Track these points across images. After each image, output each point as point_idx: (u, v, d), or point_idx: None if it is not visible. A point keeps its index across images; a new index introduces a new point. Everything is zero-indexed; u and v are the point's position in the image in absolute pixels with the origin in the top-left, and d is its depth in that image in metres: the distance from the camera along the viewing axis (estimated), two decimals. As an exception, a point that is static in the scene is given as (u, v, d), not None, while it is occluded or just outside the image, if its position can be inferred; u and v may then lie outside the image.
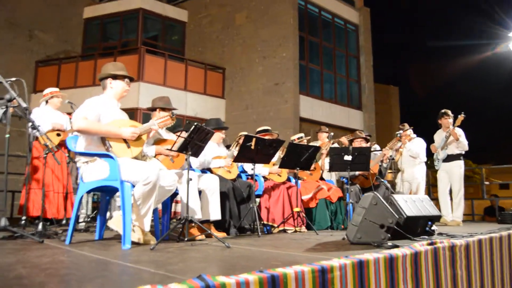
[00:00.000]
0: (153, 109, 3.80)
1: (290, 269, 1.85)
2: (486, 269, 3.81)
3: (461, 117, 5.83)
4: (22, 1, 11.68)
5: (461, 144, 5.93)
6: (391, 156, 6.56)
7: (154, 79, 11.61)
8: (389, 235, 3.14)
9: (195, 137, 3.00)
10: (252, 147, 3.75)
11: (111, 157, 2.80)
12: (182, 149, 3.01)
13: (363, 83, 14.30)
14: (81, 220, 4.44)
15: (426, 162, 6.63)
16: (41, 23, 12.06)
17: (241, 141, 4.92)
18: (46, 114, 4.73)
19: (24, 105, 3.00)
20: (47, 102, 4.78)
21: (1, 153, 3.33)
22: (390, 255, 2.50)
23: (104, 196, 3.21)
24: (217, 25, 13.48)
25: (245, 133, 5.80)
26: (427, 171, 6.72)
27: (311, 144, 7.46)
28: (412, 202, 3.90)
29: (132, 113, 10.58)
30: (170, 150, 3.10)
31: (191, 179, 2.99)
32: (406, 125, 6.81)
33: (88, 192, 3.13)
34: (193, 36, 14.00)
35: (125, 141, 2.92)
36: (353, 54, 14.37)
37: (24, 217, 3.55)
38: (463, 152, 6.05)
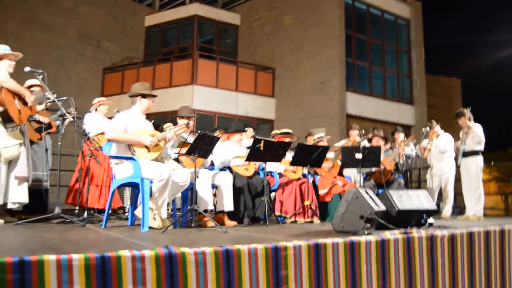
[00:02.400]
0: (177, 116, 4.53)
1: (244, 246, 2.44)
2: (479, 261, 4.00)
3: (466, 111, 6.09)
4: (91, 15, 13.07)
5: (476, 135, 6.07)
6: (416, 152, 6.85)
7: (207, 82, 12.49)
8: (368, 224, 3.59)
9: (200, 142, 3.67)
10: (261, 148, 4.35)
11: (134, 159, 3.56)
12: (190, 152, 3.70)
13: (415, 77, 14.24)
14: (127, 210, 5.30)
15: (454, 158, 6.81)
16: (108, 33, 13.41)
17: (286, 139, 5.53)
18: (97, 119, 5.58)
19: (71, 119, 3.83)
20: (96, 109, 5.64)
21: (57, 153, 4.18)
22: (351, 241, 2.98)
23: (133, 190, 3.99)
24: (267, 28, 14.11)
25: (278, 131, 6.38)
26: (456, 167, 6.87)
27: (342, 141, 7.92)
28: (408, 197, 4.27)
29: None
30: (179, 153, 3.80)
31: (197, 177, 3.68)
32: (434, 122, 7.02)
33: (119, 187, 3.92)
34: (245, 39, 14.74)
35: (146, 146, 3.66)
36: (404, 49, 14.34)
37: (77, 207, 4.43)
38: (481, 149, 6.17)
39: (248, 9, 14.77)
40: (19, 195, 3.86)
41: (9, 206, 3.91)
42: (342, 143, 7.26)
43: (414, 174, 9.06)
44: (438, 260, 3.62)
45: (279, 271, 2.55)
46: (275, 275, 2.53)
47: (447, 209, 6.76)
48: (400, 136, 7.07)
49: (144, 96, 3.90)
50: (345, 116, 12.43)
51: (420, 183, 8.50)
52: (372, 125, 12.88)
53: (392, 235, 3.31)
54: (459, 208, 7.39)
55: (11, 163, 3.82)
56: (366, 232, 3.44)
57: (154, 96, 3.95)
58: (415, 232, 3.49)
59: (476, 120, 6.44)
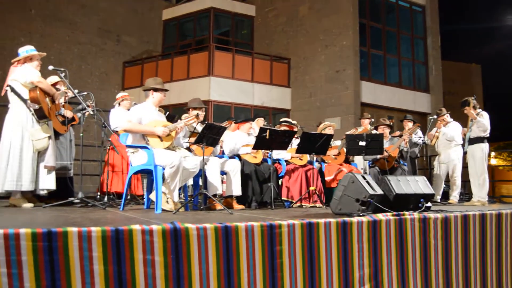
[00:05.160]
0: (188, 108, 4.88)
1: (242, 223, 2.76)
2: (474, 243, 4.15)
3: (470, 100, 6.23)
4: (111, 11, 13.51)
5: (480, 123, 6.22)
6: (422, 140, 7.05)
7: (223, 73, 12.79)
8: (364, 207, 3.86)
9: (207, 132, 4.00)
10: (267, 137, 4.65)
11: (148, 148, 3.92)
12: (198, 141, 4.03)
13: (430, 64, 14.24)
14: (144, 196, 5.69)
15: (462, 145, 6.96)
16: (127, 28, 13.84)
17: (282, 128, 5.85)
18: (121, 114, 5.94)
19: (90, 112, 4.21)
20: (119, 104, 6.02)
21: (79, 144, 4.59)
22: (343, 220, 3.26)
23: (148, 176, 4.36)
24: (282, 18, 14.28)
25: (287, 119, 6.64)
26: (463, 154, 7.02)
27: (355, 129, 8.13)
28: (406, 182, 4.50)
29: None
30: (189, 143, 4.14)
31: (206, 164, 4.01)
32: (444, 110, 7.19)
33: (135, 173, 4.29)
34: (260, 30, 14.95)
35: (159, 136, 4.01)
36: (420, 36, 14.33)
37: (98, 193, 4.85)
38: (487, 135, 6.32)
39: (263, 0, 14.96)
40: (47, 183, 4.29)
41: (38, 192, 4.33)
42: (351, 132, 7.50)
43: (422, 161, 9.23)
44: (431, 241, 3.79)
45: (274, 246, 2.86)
46: (270, 250, 2.84)
47: (455, 196, 6.94)
48: (408, 124, 7.27)
49: (156, 90, 4.25)
50: (360, 105, 12.58)
51: (430, 171, 8.66)
52: (388, 113, 13.00)
53: (384, 216, 3.57)
54: (467, 194, 7.55)
55: (40, 154, 4.24)
56: (360, 214, 3.71)
57: (166, 90, 4.29)
58: (407, 214, 3.73)
59: (496, 106, 6.58)
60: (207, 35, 14.44)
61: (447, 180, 7.26)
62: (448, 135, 6.86)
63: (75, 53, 12.54)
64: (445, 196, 7.30)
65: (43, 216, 3.23)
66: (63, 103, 4.59)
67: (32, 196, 4.41)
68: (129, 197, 5.30)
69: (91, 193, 6.24)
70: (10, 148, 4.11)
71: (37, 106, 4.08)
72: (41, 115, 4.12)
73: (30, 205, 4.15)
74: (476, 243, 4.15)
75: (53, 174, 4.30)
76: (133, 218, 3.22)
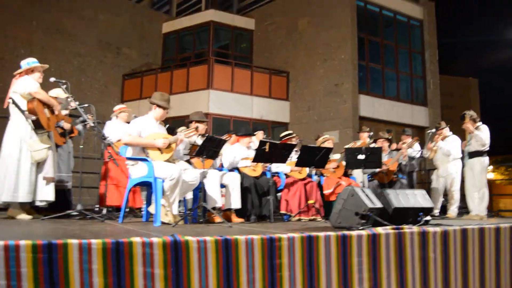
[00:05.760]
0: (190, 121, 4.90)
1: (242, 236, 2.75)
2: (473, 257, 4.15)
3: (467, 115, 6.27)
4: (111, 23, 13.60)
5: (478, 137, 6.22)
6: (420, 154, 7.06)
7: (223, 86, 12.85)
8: (363, 221, 3.86)
9: (207, 144, 4.01)
10: (267, 150, 4.66)
11: (148, 160, 3.93)
12: (198, 154, 4.04)
13: (428, 78, 14.34)
14: (143, 209, 5.67)
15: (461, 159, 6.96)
16: (126, 40, 13.92)
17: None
18: (117, 126, 5.94)
19: (92, 124, 4.23)
20: (117, 117, 6.02)
21: (79, 156, 4.60)
22: (343, 234, 3.26)
23: (148, 189, 4.36)
24: (281, 32, 14.41)
25: (289, 132, 6.66)
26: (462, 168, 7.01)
27: (353, 142, 8.14)
28: (404, 195, 4.51)
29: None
30: (189, 155, 4.16)
31: (205, 177, 4.02)
32: (443, 123, 7.20)
33: (134, 186, 4.29)
34: (260, 43, 15.06)
35: (159, 148, 4.02)
36: (417, 50, 14.46)
37: (97, 205, 4.85)
38: (486, 149, 6.32)
39: (263, 14, 15.11)
40: (46, 194, 4.28)
41: (37, 203, 4.32)
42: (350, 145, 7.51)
43: (421, 175, 9.22)
44: (430, 255, 3.78)
45: (274, 259, 2.85)
46: (270, 263, 2.83)
47: (453, 210, 6.91)
48: (406, 139, 7.29)
49: (159, 106, 4.26)
50: (358, 118, 12.63)
51: (429, 185, 8.65)
52: (386, 127, 13.03)
53: (384, 230, 3.57)
54: (465, 208, 7.54)
55: (39, 165, 4.23)
56: (360, 228, 3.71)
57: (168, 108, 4.30)
58: (406, 228, 3.73)
59: (494, 120, 6.59)
60: (207, 49, 14.54)
61: (446, 194, 7.25)
62: (445, 149, 6.83)
63: (75, 66, 12.59)
64: (444, 210, 7.29)
65: (42, 228, 3.22)
66: (65, 114, 4.61)
67: (30, 207, 4.39)
68: (127, 210, 5.28)
69: (89, 206, 6.21)
70: (8, 160, 4.11)
71: (34, 117, 4.09)
72: (38, 126, 4.12)
73: (27, 216, 4.13)
74: (475, 257, 4.12)
75: (52, 185, 4.29)
76: (132, 230, 3.22)
